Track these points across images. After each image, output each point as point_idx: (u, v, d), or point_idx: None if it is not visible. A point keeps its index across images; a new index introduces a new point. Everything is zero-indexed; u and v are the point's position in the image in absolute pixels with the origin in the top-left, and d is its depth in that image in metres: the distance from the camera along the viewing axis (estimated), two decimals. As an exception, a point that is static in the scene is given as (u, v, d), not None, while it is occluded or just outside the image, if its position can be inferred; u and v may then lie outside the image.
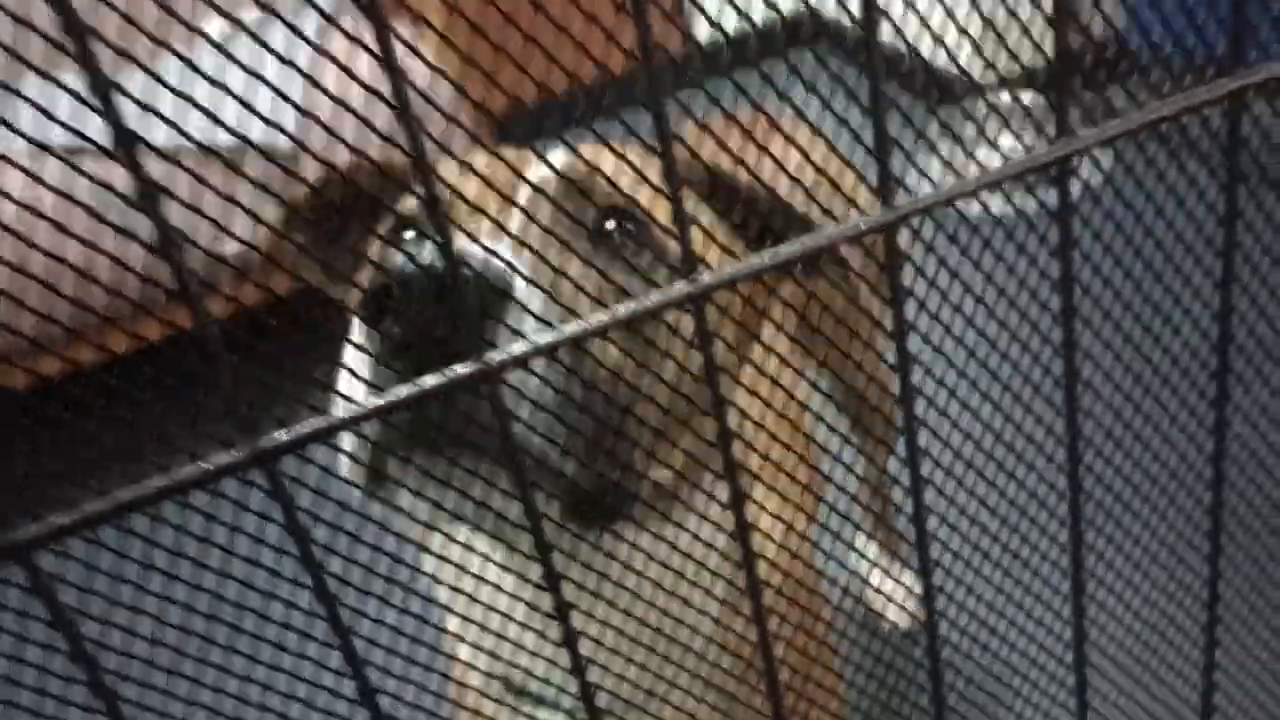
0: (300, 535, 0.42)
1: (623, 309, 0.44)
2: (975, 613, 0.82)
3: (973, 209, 2.45)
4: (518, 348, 0.43)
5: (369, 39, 2.32)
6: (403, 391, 0.42)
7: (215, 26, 2.40)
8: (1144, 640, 1.36)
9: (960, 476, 1.84)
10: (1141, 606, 1.45)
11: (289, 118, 2.16)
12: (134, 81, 2.24)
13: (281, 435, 0.41)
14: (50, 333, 2.07)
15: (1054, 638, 1.46)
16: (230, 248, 2.20)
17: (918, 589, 1.63)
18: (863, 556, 1.19)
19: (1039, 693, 1.37)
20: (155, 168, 2.10)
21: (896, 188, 0.45)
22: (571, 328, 0.44)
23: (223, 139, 2.17)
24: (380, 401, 0.42)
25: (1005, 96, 2.72)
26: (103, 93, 0.35)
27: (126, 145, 0.36)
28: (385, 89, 2.19)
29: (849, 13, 0.46)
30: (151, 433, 2.13)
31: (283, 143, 2.19)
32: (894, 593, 1.63)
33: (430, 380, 0.42)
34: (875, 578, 1.63)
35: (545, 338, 0.44)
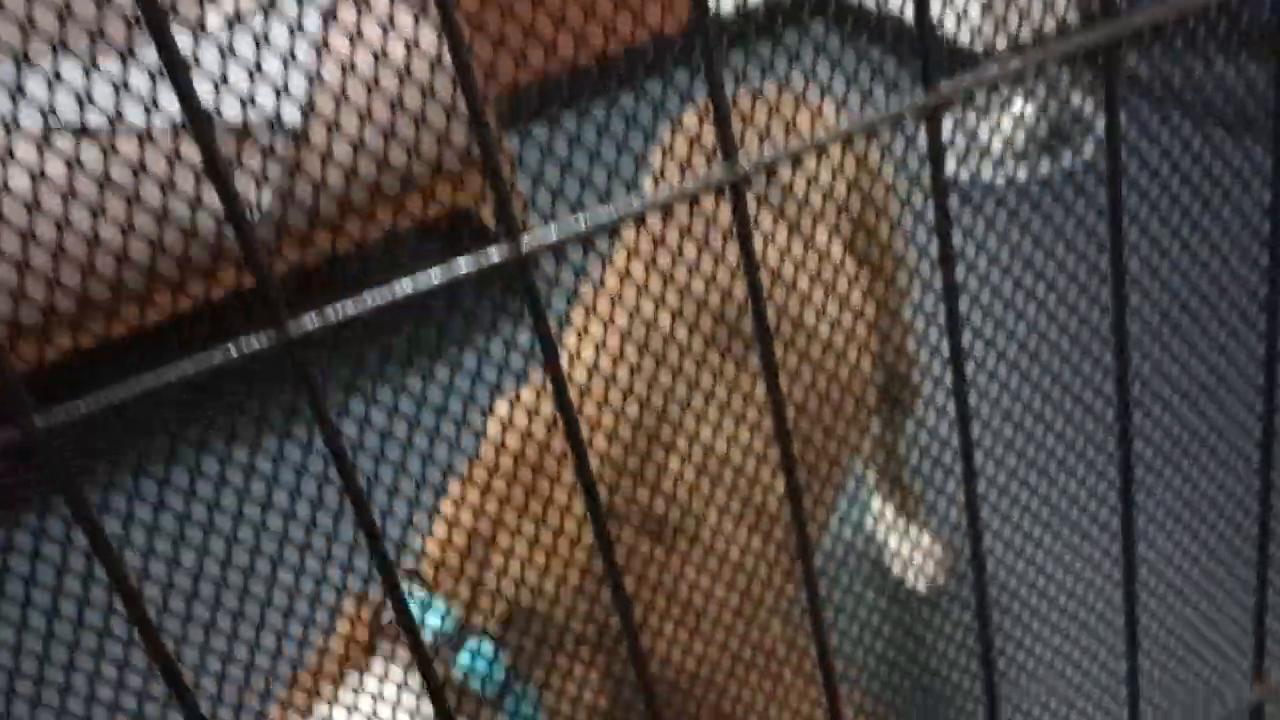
0: (327, 424, 0.41)
1: (660, 194, 0.43)
2: (1023, 553, 0.81)
3: (999, 178, 2.43)
4: (550, 234, 0.42)
5: (368, 21, 2.31)
6: (436, 276, 0.41)
7: (226, 4, 2.39)
8: (1196, 575, 1.35)
9: (1007, 409, 1.82)
10: (1191, 544, 1.44)
11: (298, 92, 2.14)
12: (143, 59, 2.22)
13: (310, 322, 0.40)
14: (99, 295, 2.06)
15: (1101, 593, 1.44)
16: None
17: (937, 551, 1.62)
18: (879, 520, 1.18)
19: (1086, 654, 1.35)
20: (163, 143, 2.08)
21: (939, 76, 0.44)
22: (606, 213, 0.42)
23: (228, 114, 2.16)
24: (410, 290, 0.41)
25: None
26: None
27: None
28: (390, 66, 2.18)
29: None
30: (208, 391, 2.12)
31: (288, 117, 2.18)
32: (914, 555, 1.62)
33: (464, 263, 0.41)
34: (894, 541, 1.62)
35: (579, 225, 0.42)
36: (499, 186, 0.41)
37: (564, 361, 1.02)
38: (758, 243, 1.05)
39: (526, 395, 0.96)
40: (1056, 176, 2.38)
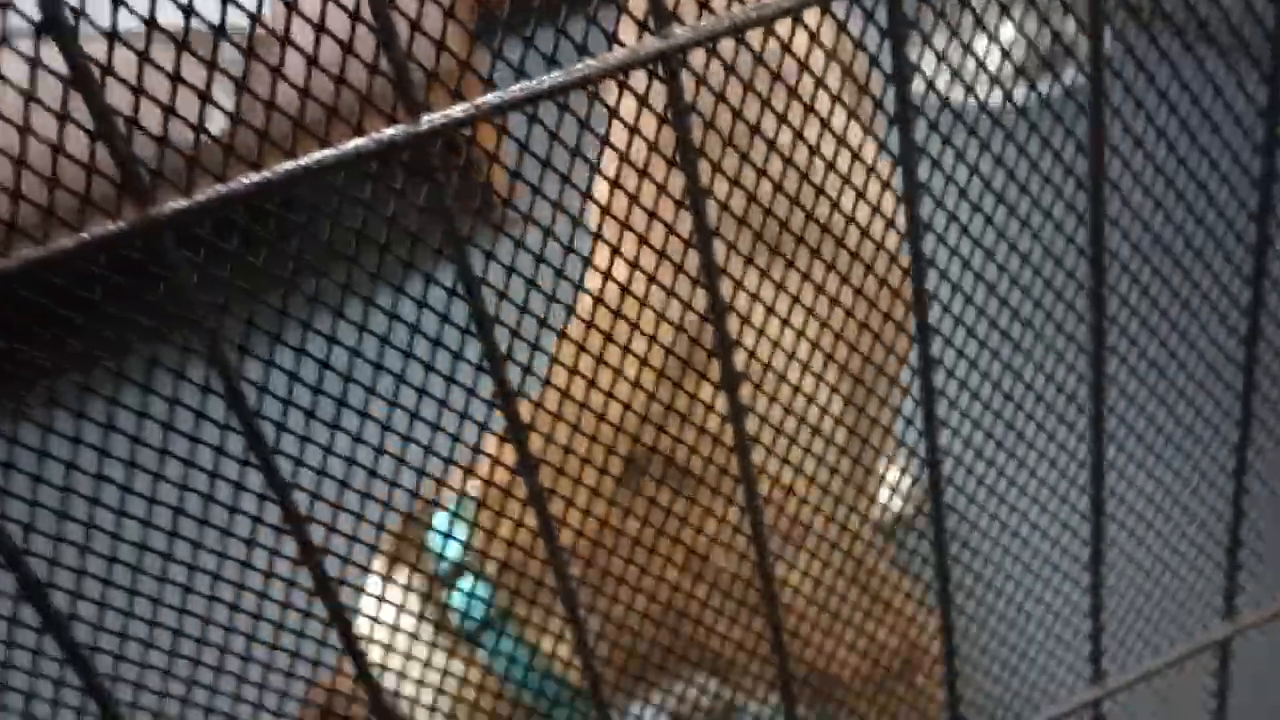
0: (211, 332, 0.36)
1: (587, 66, 0.38)
2: (985, 480, 0.77)
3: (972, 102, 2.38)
4: (447, 115, 0.37)
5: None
6: (332, 152, 0.36)
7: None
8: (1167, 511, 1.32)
9: (968, 353, 1.79)
10: (1164, 474, 1.41)
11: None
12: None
13: (178, 202, 0.35)
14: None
15: (1068, 528, 1.42)
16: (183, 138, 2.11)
17: (902, 481, 1.59)
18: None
19: (1049, 588, 1.33)
20: (97, 51, 2.00)
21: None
22: (520, 88, 0.37)
23: (171, 19, 2.07)
24: (293, 165, 0.36)
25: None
26: None
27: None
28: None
29: None
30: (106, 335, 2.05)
31: (243, 25, 2.10)
32: (897, 477, 1.59)
33: (358, 142, 0.36)
34: (879, 464, 1.58)
35: (489, 100, 0.37)
36: (397, 59, 0.36)
37: (595, 284, 0.97)
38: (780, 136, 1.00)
39: (573, 329, 0.91)
40: (1037, 103, 2.33)
